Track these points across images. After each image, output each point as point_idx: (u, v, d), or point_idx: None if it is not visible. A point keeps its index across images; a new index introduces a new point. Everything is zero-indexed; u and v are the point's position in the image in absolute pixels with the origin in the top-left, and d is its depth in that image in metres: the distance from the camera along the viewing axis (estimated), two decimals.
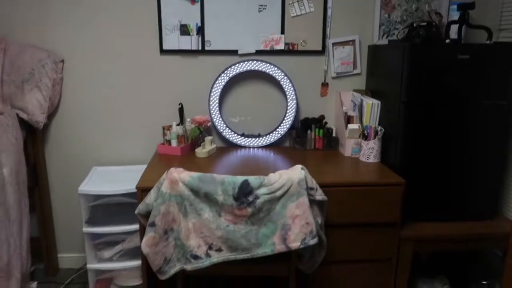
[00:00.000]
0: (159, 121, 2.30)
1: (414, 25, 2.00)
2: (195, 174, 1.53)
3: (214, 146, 2.20)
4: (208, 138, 2.17)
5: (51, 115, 2.22)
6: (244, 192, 1.49)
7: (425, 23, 1.97)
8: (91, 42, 2.18)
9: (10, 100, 2.03)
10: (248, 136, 2.32)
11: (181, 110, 2.24)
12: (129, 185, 1.96)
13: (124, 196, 1.99)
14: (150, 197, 1.57)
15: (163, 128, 2.17)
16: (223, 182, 1.51)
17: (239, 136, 2.30)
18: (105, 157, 2.33)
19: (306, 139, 2.28)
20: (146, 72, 2.23)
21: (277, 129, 2.31)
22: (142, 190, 1.70)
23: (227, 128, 2.28)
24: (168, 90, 2.27)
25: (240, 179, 1.51)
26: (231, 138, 2.29)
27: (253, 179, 1.52)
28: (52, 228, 2.38)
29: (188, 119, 2.21)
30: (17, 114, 2.02)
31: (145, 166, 2.20)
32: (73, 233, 2.40)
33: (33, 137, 2.17)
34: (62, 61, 2.17)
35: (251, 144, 2.31)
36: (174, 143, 2.14)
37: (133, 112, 2.28)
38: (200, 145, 2.18)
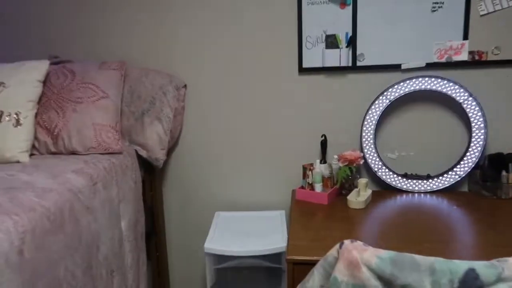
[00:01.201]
0: (295, 157, 1.84)
1: None
2: (384, 253, 1.01)
3: (369, 192, 1.66)
4: (362, 181, 1.65)
5: (169, 151, 1.90)
6: None
7: None
8: (215, 62, 1.82)
9: (129, 136, 1.74)
10: (412, 177, 1.75)
11: (324, 144, 1.76)
12: (265, 242, 1.53)
13: (260, 259, 1.56)
14: (314, 282, 1.09)
15: (304, 168, 1.71)
16: (433, 269, 0.96)
17: (399, 178, 1.74)
18: (230, 200, 1.93)
19: (500, 183, 1.63)
20: (281, 97, 1.80)
21: (455, 169, 1.69)
22: (295, 264, 1.23)
23: (384, 167, 1.74)
24: (307, 119, 1.81)
25: (461, 266, 0.95)
26: (388, 180, 1.74)
27: (482, 268, 0.94)
28: (167, 285, 2.04)
29: (335, 156, 1.72)
30: (136, 152, 1.72)
31: (278, 212, 1.78)
32: None
33: (151, 178, 1.86)
34: (185, 86, 1.84)
35: (416, 188, 1.73)
36: (318, 187, 1.66)
37: (263, 146, 1.86)
38: (351, 190, 1.67)
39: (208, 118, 1.87)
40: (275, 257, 1.56)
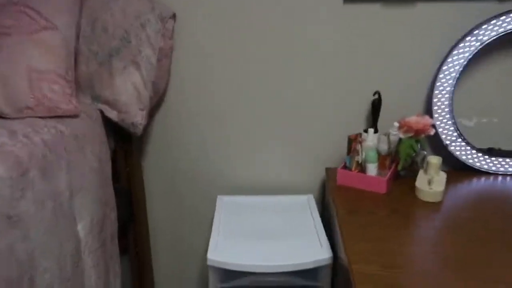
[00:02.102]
0: (329, 124, 1.31)
1: None
2: None
3: (444, 176, 1.16)
4: (433, 161, 1.13)
5: (152, 112, 1.34)
6: None
7: None
8: None
9: (90, 89, 1.16)
10: (497, 154, 1.25)
11: (376, 106, 1.23)
12: (295, 249, 1.04)
13: (288, 275, 1.07)
14: None
15: (350, 140, 1.18)
16: None
17: (480, 155, 1.24)
18: (236, 181, 1.41)
19: None
20: (314, 36, 1.23)
21: None
22: None
23: (459, 139, 1.23)
24: (351, 70, 1.26)
25: None
26: (463, 157, 1.24)
27: None
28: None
29: (395, 124, 1.19)
30: (102, 113, 1.16)
31: (305, 198, 1.31)
32: None
33: (126, 150, 1.31)
34: (174, 16, 1.24)
35: (501, 169, 1.24)
36: (372, 169, 1.14)
37: (285, 106, 1.31)
38: (414, 173, 1.17)
39: (208, 64, 1.29)
40: (310, 272, 1.07)
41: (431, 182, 1.11)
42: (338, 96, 1.28)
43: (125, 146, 1.31)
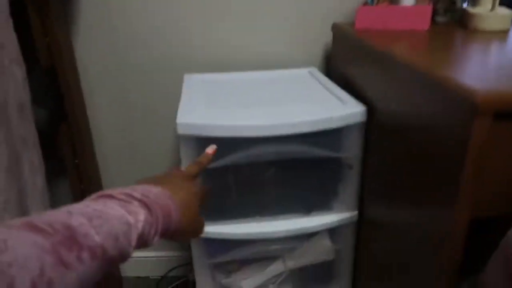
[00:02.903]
0: None
1: None
2: None
3: (509, 15, 0.83)
4: None
5: None
6: None
7: None
8: None
9: None
10: None
11: None
12: (301, 112, 0.68)
13: (289, 142, 0.71)
14: None
15: None
16: None
17: None
18: (209, 57, 1.02)
19: None
20: None
21: None
22: None
23: None
24: None
25: None
26: None
27: None
28: None
29: None
30: None
31: (305, 71, 0.92)
32: None
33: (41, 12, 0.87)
34: None
35: None
36: None
37: None
38: (453, 16, 0.83)
39: None
40: (333, 136, 0.72)
41: (494, 6, 0.78)
42: None
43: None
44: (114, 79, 1.03)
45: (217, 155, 0.71)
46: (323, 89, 0.83)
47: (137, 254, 1.15)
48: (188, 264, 1.25)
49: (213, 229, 0.76)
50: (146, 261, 1.25)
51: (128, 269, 1.26)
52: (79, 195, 1.06)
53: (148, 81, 1.03)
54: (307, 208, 0.79)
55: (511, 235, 0.39)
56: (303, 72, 0.97)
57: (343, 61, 0.87)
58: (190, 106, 0.74)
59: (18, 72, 0.68)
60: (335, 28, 0.92)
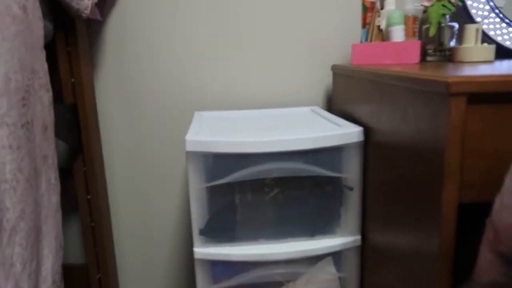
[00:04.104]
0: (322, 15, 1.06)
1: None
2: None
3: (492, 48, 0.90)
4: (472, 28, 0.88)
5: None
6: None
7: None
8: None
9: None
10: None
11: None
12: (303, 133, 0.73)
13: (291, 159, 0.75)
14: None
15: (365, 7, 0.92)
16: None
17: None
18: (218, 95, 1.11)
19: None
20: None
21: None
22: None
23: (492, 14, 1.00)
24: None
25: None
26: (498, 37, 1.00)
27: None
28: (110, 242, 1.17)
29: None
30: None
31: (307, 109, 1.00)
32: (160, 259, 1.19)
33: (69, 38, 0.98)
34: None
35: None
36: (399, 32, 0.87)
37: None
38: (442, 53, 0.91)
39: None
40: (333, 154, 0.76)
41: (477, 41, 0.85)
42: None
43: (66, 34, 0.98)
44: (129, 116, 1.11)
45: (224, 172, 0.75)
46: (324, 120, 0.88)
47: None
48: None
49: (217, 251, 0.77)
50: None
51: None
52: (90, 233, 1.09)
53: (160, 118, 1.10)
54: (311, 232, 0.80)
55: (497, 205, 0.41)
56: (306, 109, 1.04)
57: (343, 97, 0.94)
58: (199, 129, 0.80)
59: (45, 96, 0.76)
60: (335, 68, 1.01)
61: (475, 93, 0.43)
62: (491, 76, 0.45)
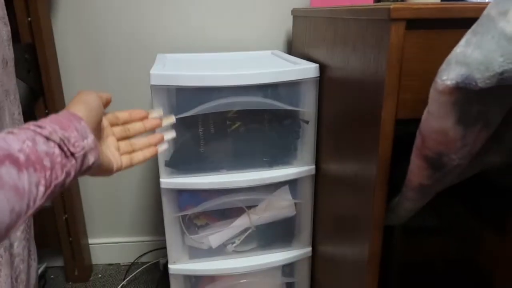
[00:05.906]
0: None
1: None
2: None
3: None
4: None
5: None
6: None
7: None
8: None
9: None
10: None
11: None
12: (264, 66, 0.78)
13: (251, 92, 0.80)
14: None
15: None
16: None
17: None
18: (177, 38, 1.12)
19: None
20: None
21: None
22: None
23: None
24: None
25: None
26: None
27: None
28: (75, 187, 1.20)
29: None
30: None
31: (269, 52, 1.04)
32: (127, 194, 1.24)
33: None
34: None
35: None
36: None
37: None
38: None
39: None
40: (293, 90, 0.81)
41: None
42: None
43: None
44: (90, 57, 1.10)
45: (187, 106, 0.79)
46: (283, 61, 0.93)
47: (107, 240, 1.22)
48: (159, 249, 1.29)
49: (182, 180, 0.83)
50: (116, 247, 1.28)
51: (98, 256, 1.28)
52: None
53: (122, 60, 1.10)
54: (269, 162, 0.86)
55: (424, 115, 0.48)
56: (267, 52, 1.08)
57: (302, 40, 0.98)
58: (163, 67, 0.82)
59: (3, 30, 0.75)
60: (294, 11, 1.04)
61: (413, 19, 0.49)
62: (427, 3, 0.51)
